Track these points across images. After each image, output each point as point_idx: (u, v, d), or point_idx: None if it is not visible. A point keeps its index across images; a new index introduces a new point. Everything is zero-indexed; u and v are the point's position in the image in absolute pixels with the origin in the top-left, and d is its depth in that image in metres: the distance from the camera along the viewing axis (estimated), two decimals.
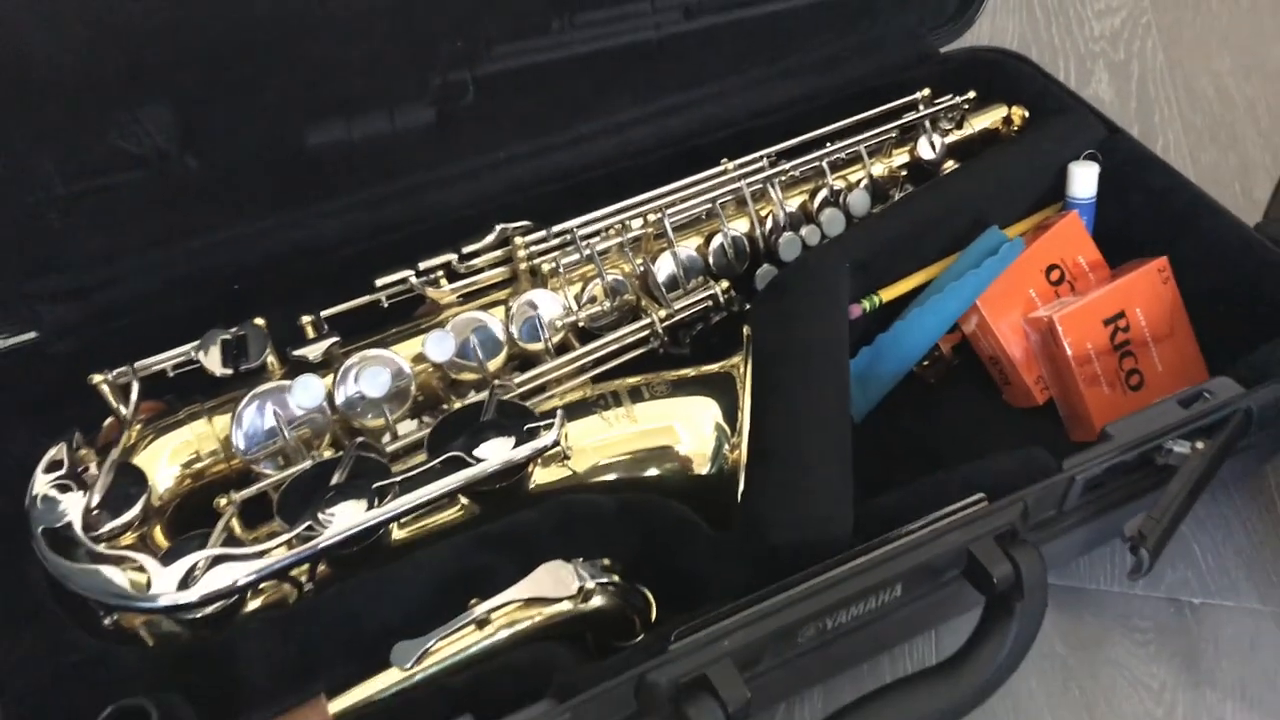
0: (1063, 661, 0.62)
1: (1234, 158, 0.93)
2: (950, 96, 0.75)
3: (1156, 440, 0.57)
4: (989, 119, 0.76)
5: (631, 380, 0.60)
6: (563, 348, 0.64)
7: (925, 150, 0.74)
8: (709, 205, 0.69)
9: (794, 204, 0.71)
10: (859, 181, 0.72)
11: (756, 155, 0.71)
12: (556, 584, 0.49)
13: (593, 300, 0.65)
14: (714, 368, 0.59)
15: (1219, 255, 0.68)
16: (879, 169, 0.73)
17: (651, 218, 0.67)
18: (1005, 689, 0.54)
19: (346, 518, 0.50)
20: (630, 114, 0.72)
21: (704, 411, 0.57)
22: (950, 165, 0.74)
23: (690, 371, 0.60)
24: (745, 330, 0.60)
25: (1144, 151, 0.73)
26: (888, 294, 0.67)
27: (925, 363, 0.69)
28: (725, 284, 0.67)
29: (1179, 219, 0.70)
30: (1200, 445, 0.58)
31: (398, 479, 0.52)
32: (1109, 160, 0.72)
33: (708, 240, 0.68)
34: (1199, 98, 0.99)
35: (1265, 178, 0.89)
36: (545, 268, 0.65)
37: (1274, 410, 0.60)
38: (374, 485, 0.51)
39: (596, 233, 0.66)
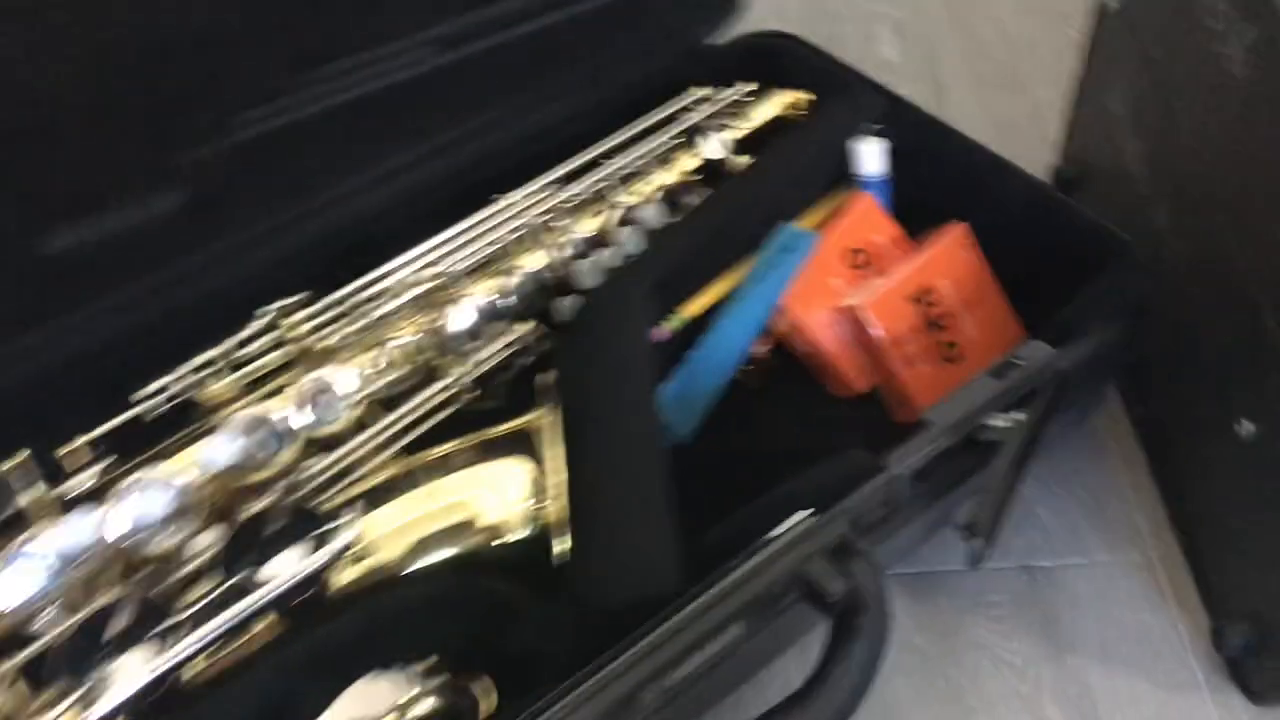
0: (924, 654, 0.61)
1: (1025, 101, 0.93)
2: (731, 90, 0.73)
3: (975, 420, 0.56)
4: (773, 107, 0.74)
5: (437, 451, 0.57)
6: (363, 424, 0.60)
7: (713, 150, 0.71)
8: (499, 244, 0.66)
9: (588, 227, 0.68)
10: (651, 194, 0.69)
11: (541, 183, 0.68)
12: (375, 700, 0.46)
13: (388, 367, 0.61)
14: (520, 422, 0.56)
15: (1016, 214, 0.67)
16: (670, 177, 0.70)
17: (439, 267, 0.64)
18: (872, 695, 0.53)
19: (132, 671, 0.46)
20: (399, 160, 0.68)
21: (513, 472, 0.54)
22: (743, 160, 0.73)
23: (499, 430, 0.57)
24: (546, 378, 0.57)
25: (927, 118, 0.72)
26: (693, 309, 0.64)
27: (748, 367, 0.67)
28: (530, 324, 0.64)
29: (972, 182, 0.69)
30: (1021, 416, 0.57)
31: (185, 615, 0.48)
32: (896, 131, 0.71)
33: (503, 280, 0.65)
34: (983, 44, 0.99)
35: (1058, 118, 0.90)
36: (331, 340, 0.61)
37: (1087, 366, 0.59)
38: (159, 628, 0.47)
39: (381, 293, 0.62)
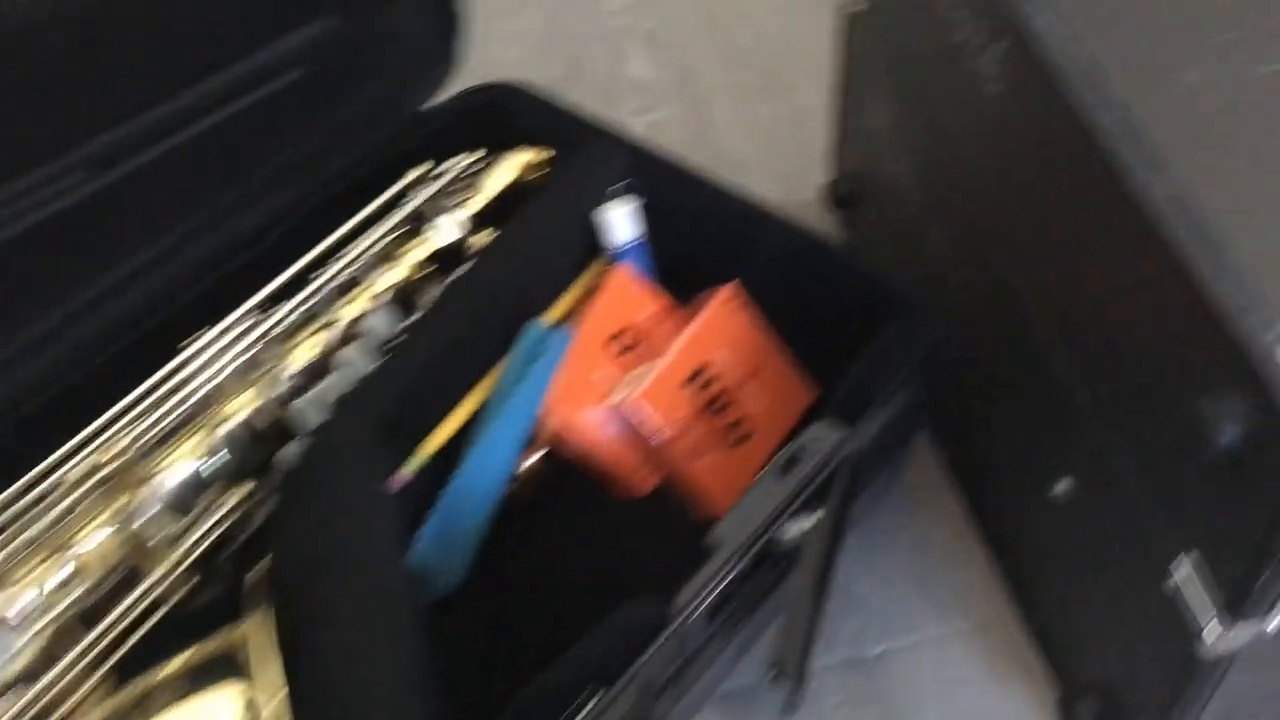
0: None
1: (789, 108, 0.87)
2: (454, 161, 0.64)
3: (766, 534, 0.48)
4: (508, 171, 0.65)
5: (141, 687, 0.46)
6: (53, 655, 0.49)
7: (446, 234, 0.62)
8: (199, 394, 0.56)
9: (305, 355, 0.58)
10: (379, 298, 0.60)
11: (241, 311, 0.58)
12: None
13: (76, 576, 0.50)
14: (224, 638, 0.47)
15: (786, 266, 0.61)
16: (400, 274, 0.61)
17: (126, 440, 0.53)
18: None
19: None
20: (60, 313, 0.57)
21: (217, 704, 0.44)
22: (485, 237, 0.63)
23: (212, 645, 0.47)
24: (259, 572, 0.48)
25: (677, 169, 0.64)
26: (435, 442, 0.55)
27: (514, 484, 0.58)
28: (249, 484, 0.54)
29: (735, 235, 0.62)
30: (819, 513, 0.50)
31: None
32: (645, 185, 0.63)
33: (207, 438, 0.55)
34: (740, 49, 0.92)
35: (824, 123, 0.84)
36: None
37: (882, 438, 0.53)
38: None
39: (54, 488, 0.52)
